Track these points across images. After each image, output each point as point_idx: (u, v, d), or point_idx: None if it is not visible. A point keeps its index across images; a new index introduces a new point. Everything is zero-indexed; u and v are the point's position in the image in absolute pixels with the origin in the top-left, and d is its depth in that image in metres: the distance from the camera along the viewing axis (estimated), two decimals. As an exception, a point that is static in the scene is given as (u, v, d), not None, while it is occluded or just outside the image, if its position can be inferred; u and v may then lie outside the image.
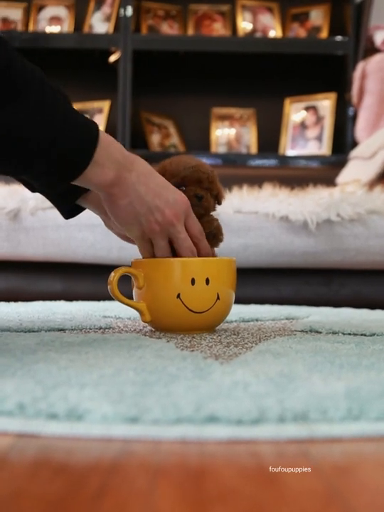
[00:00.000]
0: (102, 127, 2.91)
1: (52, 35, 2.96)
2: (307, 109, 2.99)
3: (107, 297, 1.09)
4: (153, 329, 1.03)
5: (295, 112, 3.00)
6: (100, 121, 2.93)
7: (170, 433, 0.45)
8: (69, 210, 1.08)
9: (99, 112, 2.97)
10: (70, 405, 0.47)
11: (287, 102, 2.99)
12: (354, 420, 0.46)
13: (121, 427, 0.45)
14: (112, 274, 0.96)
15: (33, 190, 1.01)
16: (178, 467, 0.40)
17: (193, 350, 0.79)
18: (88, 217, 1.83)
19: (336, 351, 0.75)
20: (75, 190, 1.02)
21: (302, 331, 1.04)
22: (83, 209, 1.10)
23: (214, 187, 1.01)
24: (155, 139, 2.98)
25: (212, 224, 1.00)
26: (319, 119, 2.98)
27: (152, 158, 2.83)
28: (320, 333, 1.01)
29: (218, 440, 0.44)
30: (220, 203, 1.04)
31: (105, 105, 2.97)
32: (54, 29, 3.02)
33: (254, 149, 2.99)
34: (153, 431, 0.45)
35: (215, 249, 1.03)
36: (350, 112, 2.84)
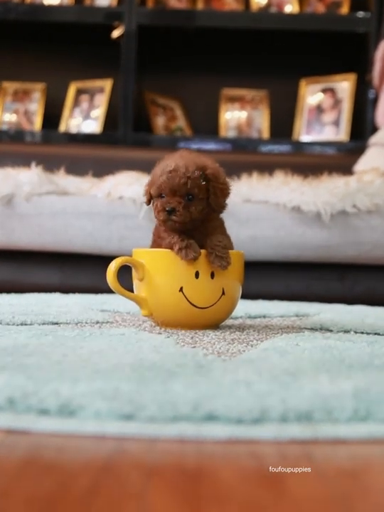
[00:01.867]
0: (103, 108, 2.91)
1: (50, 7, 2.95)
2: (324, 91, 2.98)
3: (107, 290, 1.10)
4: (153, 324, 1.04)
5: (311, 94, 2.99)
6: (101, 101, 2.94)
7: (166, 431, 0.46)
8: None
9: (100, 92, 2.97)
10: (62, 401, 0.48)
11: (303, 83, 2.99)
12: (361, 421, 0.47)
13: (115, 424, 0.46)
14: (112, 263, 0.97)
15: None
16: (174, 467, 0.41)
17: (194, 347, 0.80)
18: (87, 204, 1.85)
19: (347, 350, 0.76)
20: None
21: (312, 328, 1.05)
22: None
23: (201, 191, 0.95)
24: (160, 121, 2.98)
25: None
26: (337, 102, 2.97)
27: (156, 143, 2.84)
28: (331, 331, 1.02)
29: (217, 440, 0.45)
30: (215, 211, 0.98)
31: (107, 84, 2.97)
32: (53, 1, 3.02)
33: (266, 134, 2.99)
34: (149, 429, 0.46)
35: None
36: (371, 94, 2.83)
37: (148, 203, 1.01)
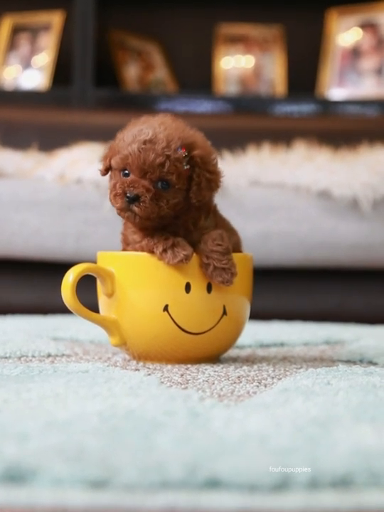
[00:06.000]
0: (50, 53, 2.91)
1: None
2: (363, 26, 3.00)
3: (60, 309, 1.10)
4: (127, 357, 1.05)
5: (344, 31, 3.00)
6: (48, 43, 2.94)
7: (151, 503, 0.47)
8: None
9: (46, 29, 2.97)
10: (6, 463, 0.49)
11: (332, 15, 3.00)
12: (418, 487, 0.48)
13: (80, 495, 0.47)
14: (69, 273, 0.98)
15: None
16: None
17: (185, 388, 0.81)
18: (31, 190, 1.86)
19: (397, 390, 0.77)
20: None
21: (348, 361, 1.06)
22: None
23: (181, 179, 0.95)
24: (131, 72, 2.99)
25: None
26: (381, 43, 3.00)
27: (127, 102, 2.84)
28: (375, 364, 1.03)
29: (222, 514, 0.46)
30: (194, 202, 0.97)
31: (55, 19, 2.97)
32: None
33: (280, 89, 3.00)
34: (127, 500, 0.47)
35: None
36: None
37: (105, 173, 1.01)
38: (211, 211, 1.03)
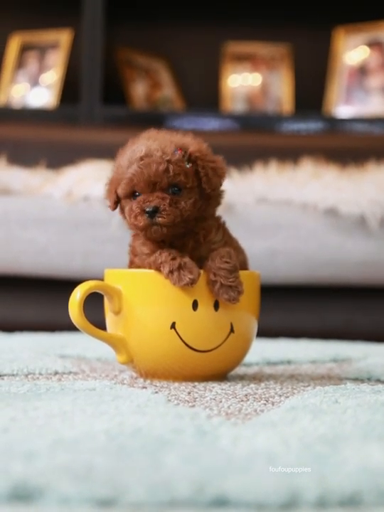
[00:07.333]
0: (58, 71, 2.92)
1: None
2: (370, 45, 3.01)
3: (67, 327, 1.10)
4: (134, 375, 1.05)
5: (351, 50, 3.01)
6: (56, 61, 2.95)
7: (159, 522, 0.46)
8: None
9: (54, 48, 2.99)
10: (13, 482, 0.49)
11: (339, 33, 3.01)
12: None
13: (88, 514, 0.47)
14: (76, 291, 0.98)
15: None
16: None
17: (193, 406, 0.81)
18: (39, 208, 1.86)
19: (405, 408, 0.77)
20: None
21: (356, 379, 1.06)
22: None
23: (189, 177, 0.97)
24: (139, 89, 3.00)
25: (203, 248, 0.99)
26: (386, 62, 3.00)
27: (134, 120, 2.84)
28: (383, 382, 1.03)
29: (229, 533, 0.46)
30: (211, 197, 1.00)
31: (63, 37, 2.99)
32: None
33: (288, 106, 3.01)
34: (135, 519, 0.47)
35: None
36: None
37: (115, 207, 1.02)
38: (220, 226, 1.03)
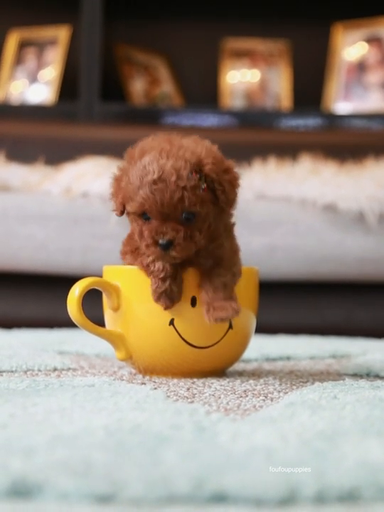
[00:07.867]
0: (57, 68, 2.92)
1: None
2: (368, 41, 3.01)
3: (66, 324, 1.10)
4: (133, 371, 1.05)
5: (349, 46, 3.01)
6: (55, 57, 2.95)
7: (158, 518, 0.46)
8: None
9: (53, 44, 2.99)
10: (12, 478, 0.49)
11: (337, 29, 3.01)
12: None
13: (87, 509, 0.47)
14: (74, 287, 0.98)
15: None
16: None
17: (191, 402, 0.81)
18: (38, 204, 1.86)
19: (404, 404, 0.77)
20: None
21: (355, 374, 1.06)
22: None
23: (205, 203, 0.91)
24: (137, 86, 3.00)
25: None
26: (385, 58, 3.00)
27: (133, 116, 2.84)
28: (382, 378, 1.03)
29: (228, 529, 0.46)
30: (225, 207, 0.95)
31: (62, 33, 2.98)
32: None
33: (286, 103, 3.01)
34: (134, 515, 0.47)
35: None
36: None
37: (121, 214, 0.98)
38: (229, 232, 1.00)
